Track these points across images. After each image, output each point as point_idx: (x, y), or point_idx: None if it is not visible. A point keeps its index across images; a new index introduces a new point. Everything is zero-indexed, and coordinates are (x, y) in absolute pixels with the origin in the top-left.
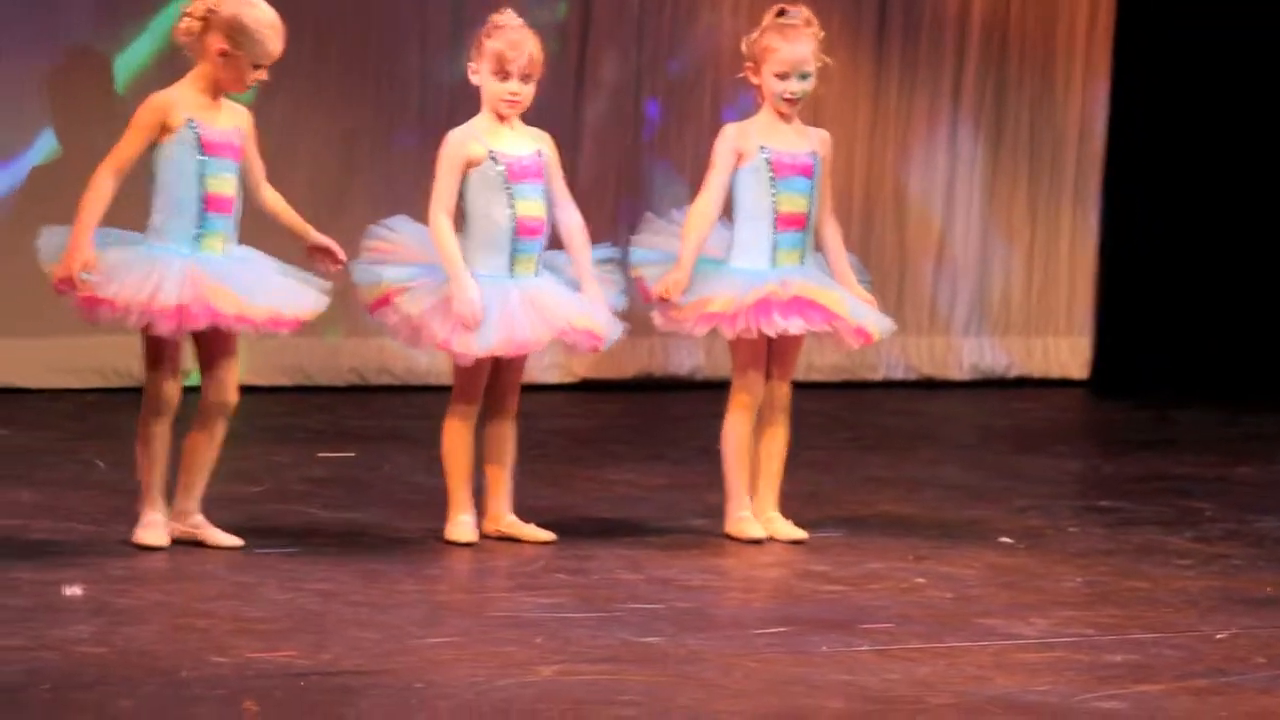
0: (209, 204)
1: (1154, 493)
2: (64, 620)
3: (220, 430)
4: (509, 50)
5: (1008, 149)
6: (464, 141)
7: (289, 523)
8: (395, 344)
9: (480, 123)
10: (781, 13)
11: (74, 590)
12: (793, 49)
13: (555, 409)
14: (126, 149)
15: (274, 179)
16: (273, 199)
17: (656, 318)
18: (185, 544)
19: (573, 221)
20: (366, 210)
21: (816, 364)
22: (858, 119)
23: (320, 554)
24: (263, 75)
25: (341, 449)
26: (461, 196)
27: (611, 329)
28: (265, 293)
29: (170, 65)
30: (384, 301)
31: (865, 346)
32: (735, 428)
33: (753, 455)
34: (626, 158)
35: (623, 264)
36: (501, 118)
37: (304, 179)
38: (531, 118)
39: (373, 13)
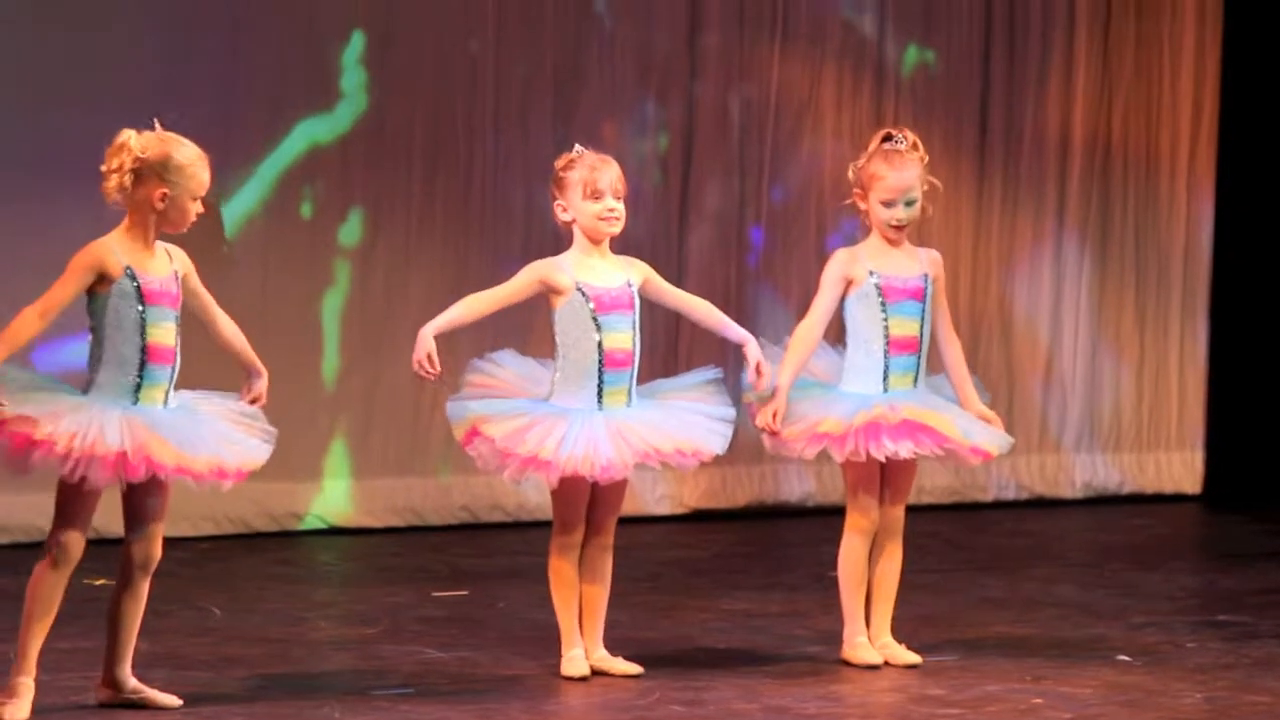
0: (150, 355)
1: (1273, 605)
2: None
3: (145, 589)
4: (595, 171)
5: (1114, 263)
6: (548, 269)
7: (405, 663)
8: (506, 481)
9: (570, 256)
10: (888, 138)
11: None
12: (899, 175)
13: (668, 540)
14: (56, 295)
15: (386, 311)
16: (230, 333)
17: (766, 441)
18: (129, 707)
19: (696, 303)
20: (473, 343)
21: (927, 486)
22: (961, 237)
23: (436, 694)
24: (200, 208)
25: (455, 588)
26: (552, 328)
27: (708, 442)
28: (206, 443)
29: (278, 211)
30: (473, 434)
31: (985, 463)
32: (851, 552)
33: (868, 580)
34: (731, 285)
35: (734, 392)
36: (596, 242)
37: (414, 312)
38: (636, 247)
39: (477, 147)
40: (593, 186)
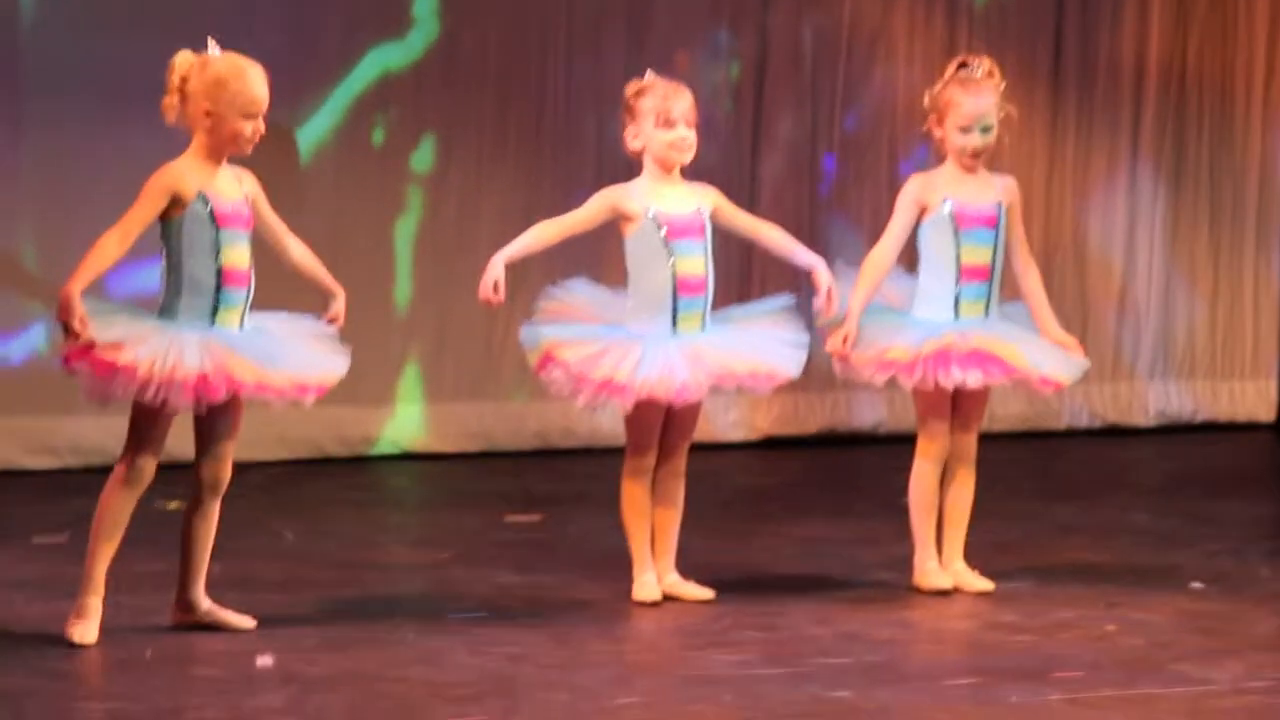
0: (225, 278)
1: None
2: (257, 690)
3: (215, 511)
4: (668, 100)
5: (1188, 192)
6: (619, 195)
7: (478, 587)
8: (580, 407)
9: (641, 183)
10: (963, 65)
11: (266, 660)
12: (975, 102)
13: (740, 466)
14: (133, 218)
15: (457, 238)
16: (301, 255)
17: (836, 365)
18: (203, 629)
19: (766, 228)
20: (544, 272)
21: (1000, 414)
22: (1035, 166)
23: (509, 617)
24: (258, 126)
25: (528, 513)
26: (624, 256)
27: (784, 365)
28: (285, 361)
29: (350, 138)
30: (547, 359)
31: (1057, 392)
32: (921, 479)
33: (940, 506)
34: (804, 213)
35: (805, 316)
36: (667, 169)
37: (485, 238)
38: (708, 176)
39: (550, 73)
40: (665, 114)
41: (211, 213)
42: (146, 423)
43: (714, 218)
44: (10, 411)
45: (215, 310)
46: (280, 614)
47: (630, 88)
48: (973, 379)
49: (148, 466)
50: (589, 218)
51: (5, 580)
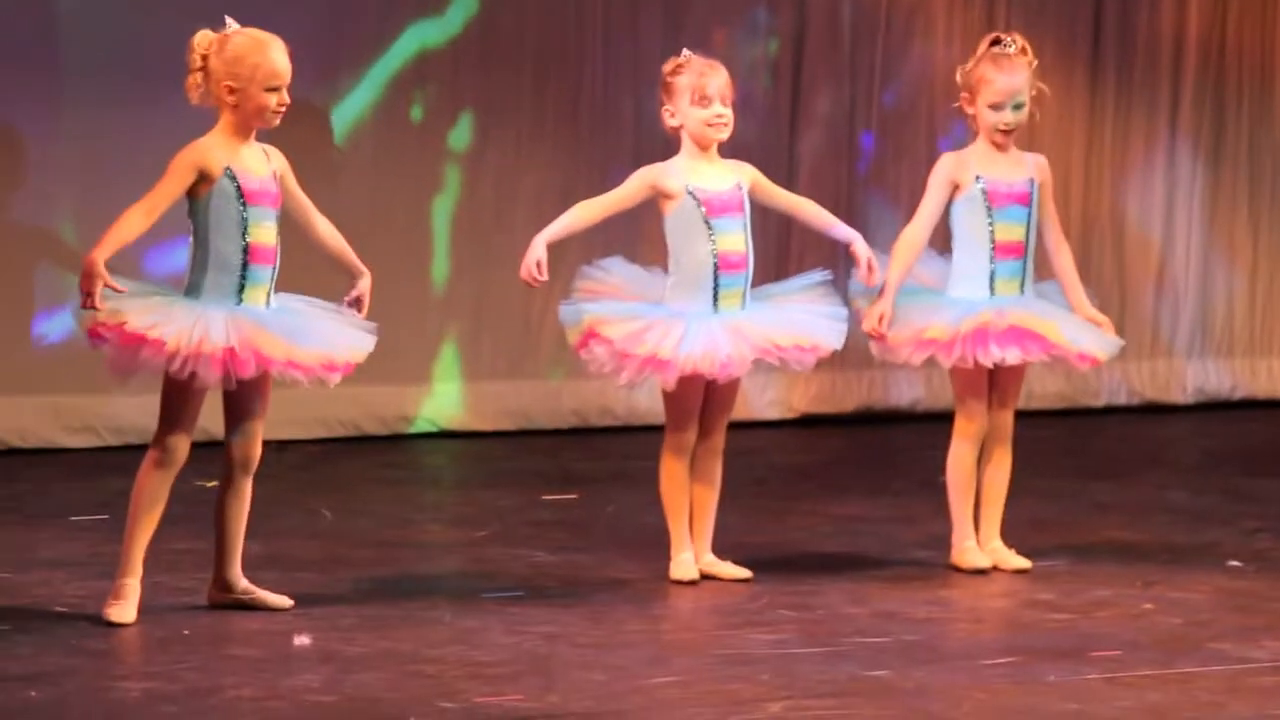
0: (252, 255)
1: None
2: (294, 669)
3: (248, 489)
4: (704, 77)
5: (1227, 168)
6: (657, 174)
7: (514, 566)
8: (621, 384)
9: (679, 161)
10: (996, 41)
11: (303, 640)
12: (1008, 79)
13: (776, 444)
14: (160, 194)
15: (495, 216)
16: (327, 233)
17: (873, 347)
18: (241, 608)
19: (803, 204)
20: (582, 250)
21: (1038, 392)
22: (1073, 143)
23: (545, 597)
24: (284, 99)
25: (565, 491)
26: (664, 234)
27: (826, 338)
28: (313, 337)
29: (387, 115)
30: (589, 337)
31: (1094, 368)
32: (959, 458)
33: (977, 485)
34: (842, 190)
35: (842, 292)
36: (704, 147)
37: (523, 216)
38: (746, 154)
39: (587, 51)
40: (701, 92)
41: (239, 189)
42: (178, 401)
43: (752, 194)
44: (49, 390)
45: (242, 288)
46: (317, 593)
47: (667, 65)
48: (1011, 356)
49: (181, 446)
50: (628, 196)
51: (45, 559)
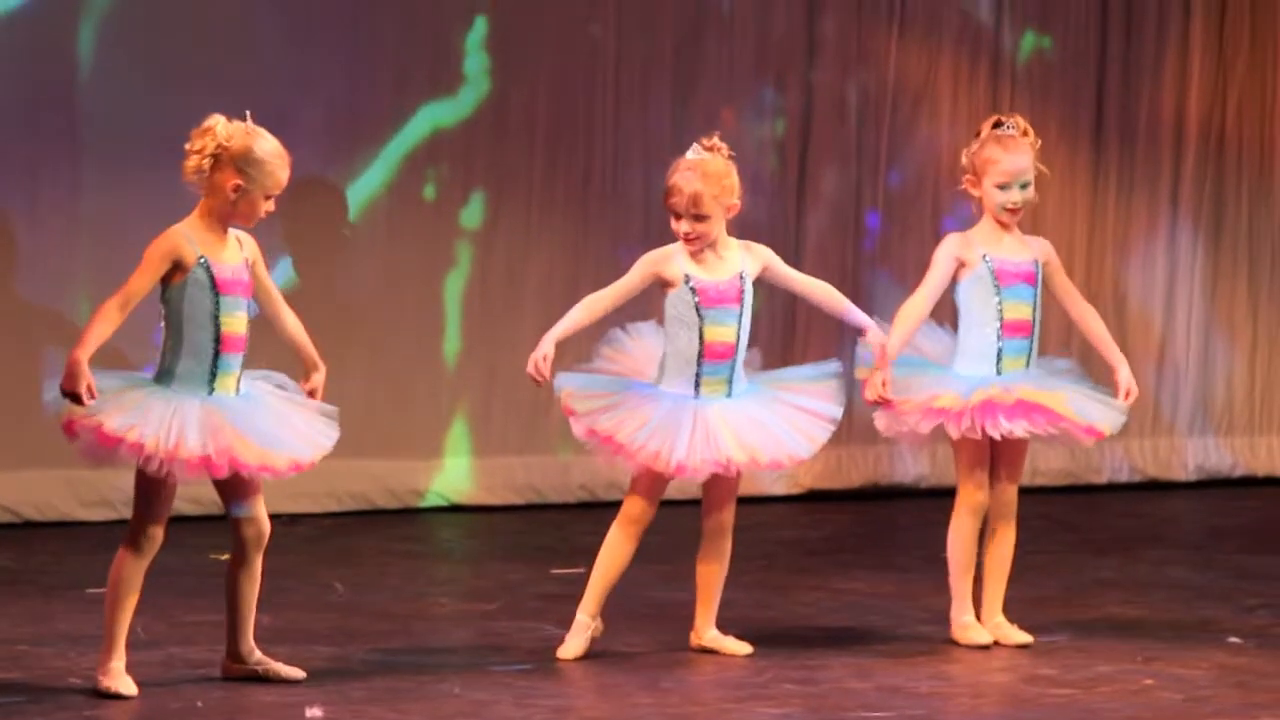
0: (224, 344)
1: None
2: None
3: (259, 564)
4: (673, 192)
5: (1226, 250)
6: (658, 261)
7: (523, 640)
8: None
9: (682, 248)
10: (999, 124)
11: (315, 712)
12: (1012, 159)
13: (783, 519)
14: (135, 286)
15: (506, 293)
16: (293, 327)
17: (879, 420)
18: (254, 680)
19: (819, 287)
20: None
21: (1041, 468)
22: (1076, 222)
23: (554, 670)
24: (271, 206)
25: (573, 565)
26: (662, 316)
27: (794, 450)
28: (284, 438)
29: (401, 194)
30: (569, 410)
31: (1098, 441)
32: (960, 531)
33: (980, 560)
34: (848, 269)
35: (847, 376)
36: (718, 246)
37: (533, 294)
38: (754, 231)
39: (597, 130)
40: (672, 204)
41: (212, 279)
42: (152, 494)
43: (764, 276)
44: (65, 463)
45: (214, 376)
46: (329, 666)
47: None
48: (1019, 428)
49: (156, 533)
50: (633, 285)
51: (60, 632)
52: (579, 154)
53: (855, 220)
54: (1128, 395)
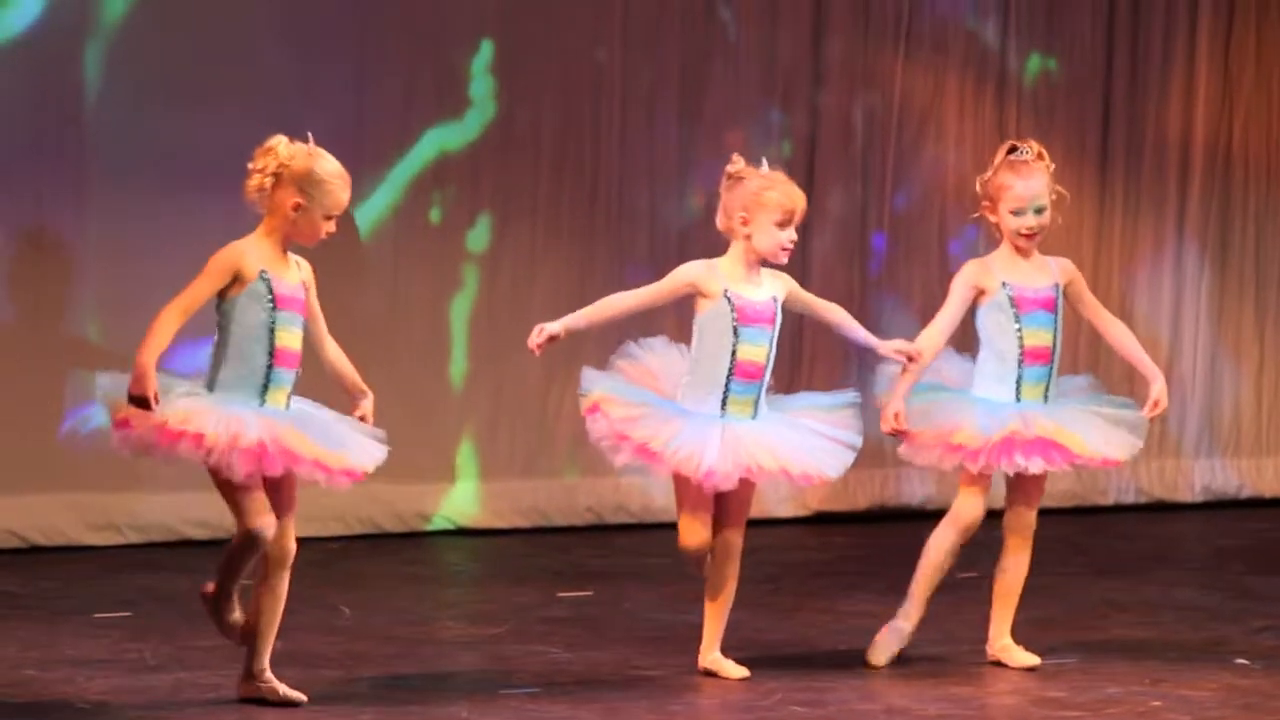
0: (277, 358)
1: None
2: None
3: (284, 584)
4: (787, 201)
5: (1233, 270)
6: (698, 273)
7: (531, 663)
8: (631, 482)
9: (724, 263)
10: (1013, 149)
11: None
12: (1027, 185)
13: (790, 541)
14: (196, 293)
15: (512, 315)
16: (335, 354)
17: (902, 448)
18: (262, 703)
19: (840, 314)
20: (596, 343)
21: (1047, 490)
22: (1082, 243)
23: (562, 693)
24: (332, 227)
25: (580, 588)
26: (692, 329)
27: (822, 468)
28: (337, 442)
29: (408, 216)
30: (595, 409)
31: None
32: (940, 541)
33: (991, 580)
34: (854, 291)
35: (859, 404)
36: (758, 266)
37: (539, 316)
38: None
39: (603, 153)
40: (787, 215)
41: (271, 292)
42: (238, 491)
43: (787, 303)
44: (73, 488)
45: (265, 388)
46: (337, 690)
47: (750, 175)
48: (1035, 465)
49: (267, 524)
50: (664, 294)
51: (68, 657)
52: (585, 177)
53: (861, 242)
54: (1155, 406)
